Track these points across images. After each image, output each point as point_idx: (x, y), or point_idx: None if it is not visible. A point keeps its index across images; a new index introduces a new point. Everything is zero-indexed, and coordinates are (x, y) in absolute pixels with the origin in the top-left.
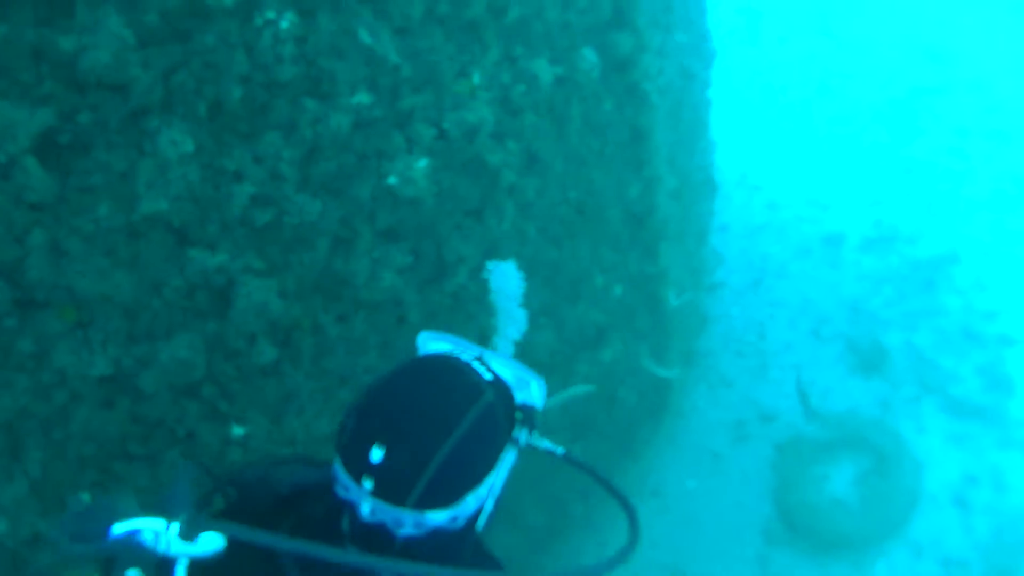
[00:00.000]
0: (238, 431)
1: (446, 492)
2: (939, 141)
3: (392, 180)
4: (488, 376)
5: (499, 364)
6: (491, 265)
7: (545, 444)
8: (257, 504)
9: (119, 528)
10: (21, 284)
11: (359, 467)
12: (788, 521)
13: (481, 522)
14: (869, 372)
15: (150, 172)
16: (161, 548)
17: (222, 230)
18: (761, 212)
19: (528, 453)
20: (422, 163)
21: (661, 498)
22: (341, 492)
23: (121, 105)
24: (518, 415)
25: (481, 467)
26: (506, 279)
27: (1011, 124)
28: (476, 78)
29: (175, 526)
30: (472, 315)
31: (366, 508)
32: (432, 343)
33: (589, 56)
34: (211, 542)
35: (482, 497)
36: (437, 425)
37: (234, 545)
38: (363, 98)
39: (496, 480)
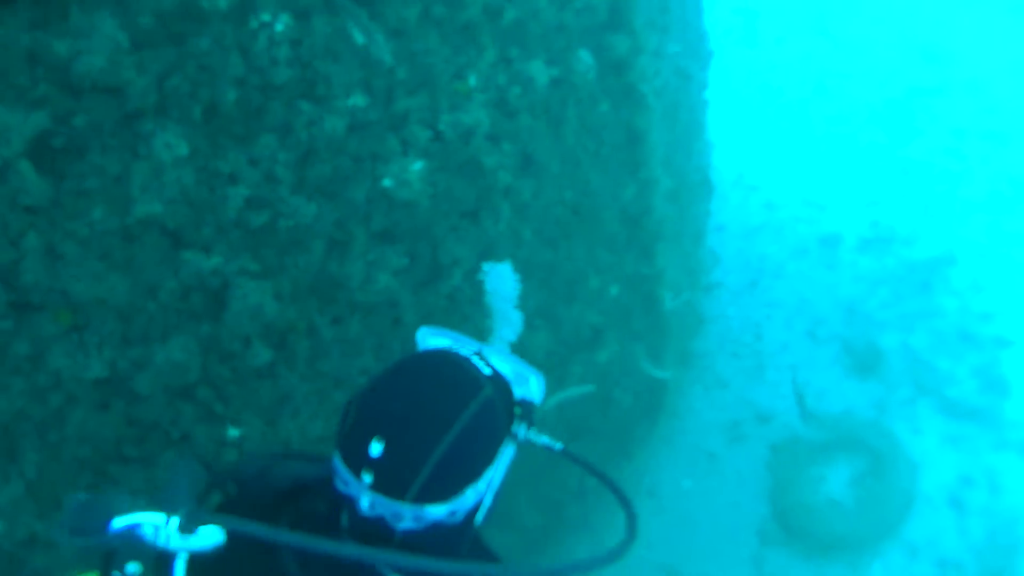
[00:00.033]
0: (233, 433)
1: (445, 486)
2: (936, 142)
3: (387, 182)
4: (487, 371)
5: (498, 359)
6: (487, 267)
7: (543, 439)
8: (256, 499)
9: (119, 522)
10: (16, 287)
11: (359, 461)
12: (784, 522)
13: (480, 516)
14: (865, 373)
15: (145, 175)
16: (161, 542)
17: (217, 232)
18: (758, 212)
19: (526, 448)
20: (417, 165)
21: (657, 498)
22: (340, 486)
23: (116, 108)
24: (517, 410)
25: (480, 461)
26: (502, 281)
27: (1008, 125)
28: (472, 80)
29: (175, 520)
30: (468, 317)
31: (365, 502)
32: (431, 338)
33: (585, 58)
34: (210, 536)
35: (481, 491)
36: (436, 419)
37: (234, 539)
38: (358, 100)
39: (495, 474)
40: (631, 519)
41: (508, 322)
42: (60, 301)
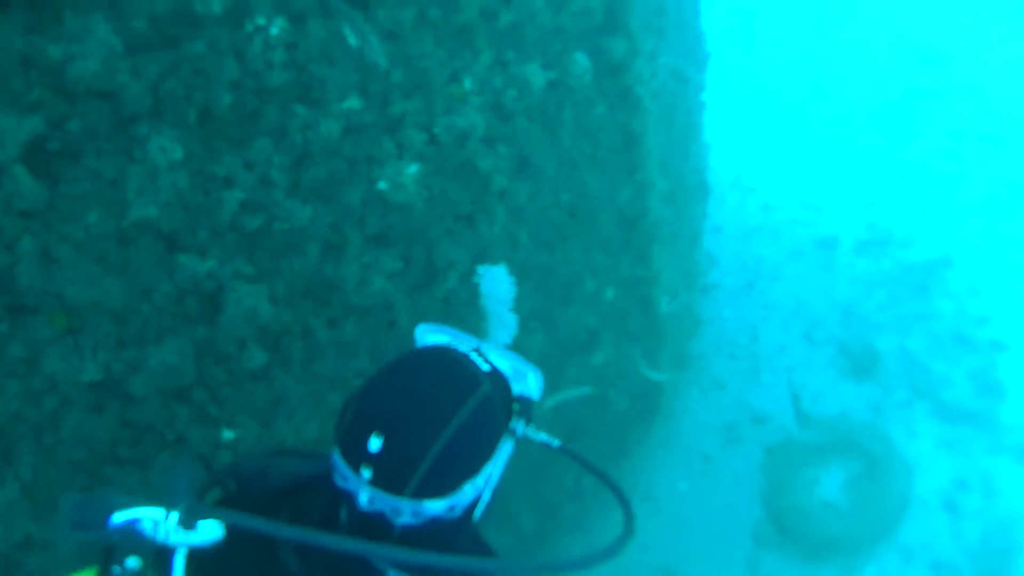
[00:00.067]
0: (228, 435)
1: (444, 481)
2: (933, 144)
3: (382, 185)
4: (486, 367)
5: (496, 355)
6: (482, 269)
7: (541, 436)
8: (255, 496)
9: (119, 517)
10: (11, 290)
11: (358, 456)
12: (778, 524)
13: (478, 512)
14: (861, 376)
15: (140, 179)
16: (160, 537)
17: (212, 236)
18: (755, 214)
19: (524, 445)
20: (412, 168)
21: (652, 500)
22: (339, 482)
23: (110, 112)
24: (515, 406)
25: (479, 457)
26: (497, 283)
27: (1005, 128)
28: (467, 83)
29: (174, 515)
30: (463, 319)
31: (364, 497)
32: (430, 335)
33: (581, 60)
34: (210, 531)
35: (479, 487)
36: (435, 415)
37: (233, 534)
38: (353, 103)
39: (493, 470)
40: (628, 516)
41: (503, 325)
42: (55, 304)
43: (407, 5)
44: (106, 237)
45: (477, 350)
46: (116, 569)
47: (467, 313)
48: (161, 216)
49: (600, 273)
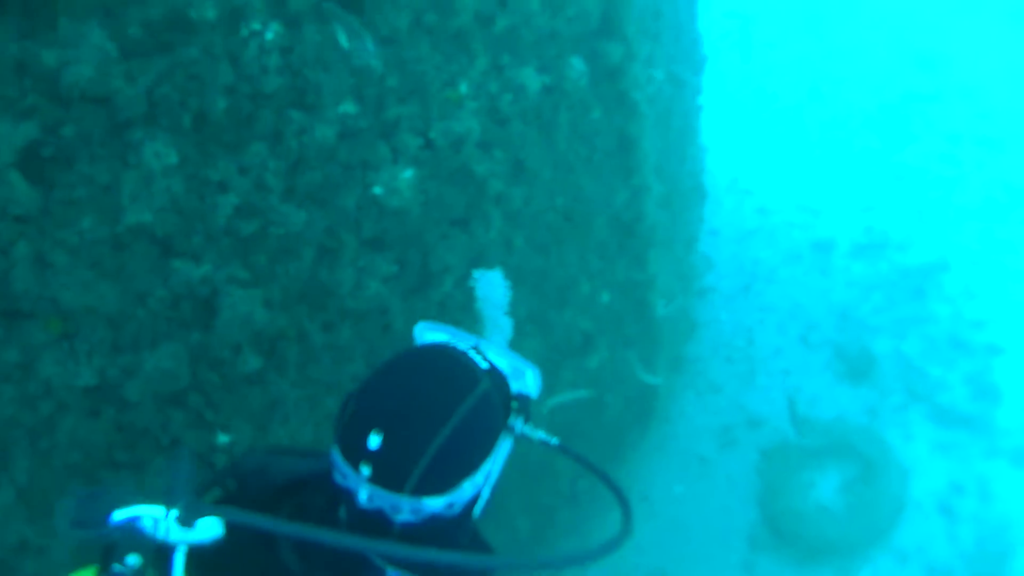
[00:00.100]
0: (223, 439)
1: (443, 479)
2: (930, 148)
3: (377, 190)
4: (484, 365)
5: (495, 353)
6: (477, 273)
7: (539, 434)
8: (255, 494)
9: (119, 515)
10: (6, 295)
11: (357, 453)
12: (774, 527)
13: (477, 509)
14: (857, 379)
15: (134, 184)
16: (160, 534)
17: (207, 241)
18: (752, 217)
19: (523, 443)
20: (407, 173)
21: (648, 503)
22: (339, 479)
23: (105, 118)
24: (514, 404)
25: (478, 454)
26: (492, 287)
27: (1002, 132)
28: (463, 88)
29: (174, 512)
30: (458, 323)
31: (364, 494)
32: (429, 333)
33: (577, 65)
34: (210, 528)
35: (478, 484)
36: (434, 412)
37: (233, 532)
38: (348, 108)
39: (492, 468)
40: (626, 513)
41: (499, 328)
42: (50, 309)
43: (403, 9)
44: (101, 242)
45: (476, 348)
46: (116, 567)
47: (463, 317)
48: (156, 221)
49: (596, 277)
